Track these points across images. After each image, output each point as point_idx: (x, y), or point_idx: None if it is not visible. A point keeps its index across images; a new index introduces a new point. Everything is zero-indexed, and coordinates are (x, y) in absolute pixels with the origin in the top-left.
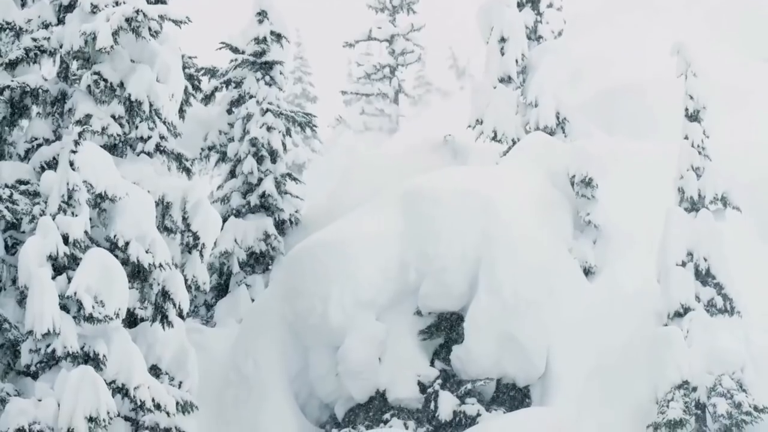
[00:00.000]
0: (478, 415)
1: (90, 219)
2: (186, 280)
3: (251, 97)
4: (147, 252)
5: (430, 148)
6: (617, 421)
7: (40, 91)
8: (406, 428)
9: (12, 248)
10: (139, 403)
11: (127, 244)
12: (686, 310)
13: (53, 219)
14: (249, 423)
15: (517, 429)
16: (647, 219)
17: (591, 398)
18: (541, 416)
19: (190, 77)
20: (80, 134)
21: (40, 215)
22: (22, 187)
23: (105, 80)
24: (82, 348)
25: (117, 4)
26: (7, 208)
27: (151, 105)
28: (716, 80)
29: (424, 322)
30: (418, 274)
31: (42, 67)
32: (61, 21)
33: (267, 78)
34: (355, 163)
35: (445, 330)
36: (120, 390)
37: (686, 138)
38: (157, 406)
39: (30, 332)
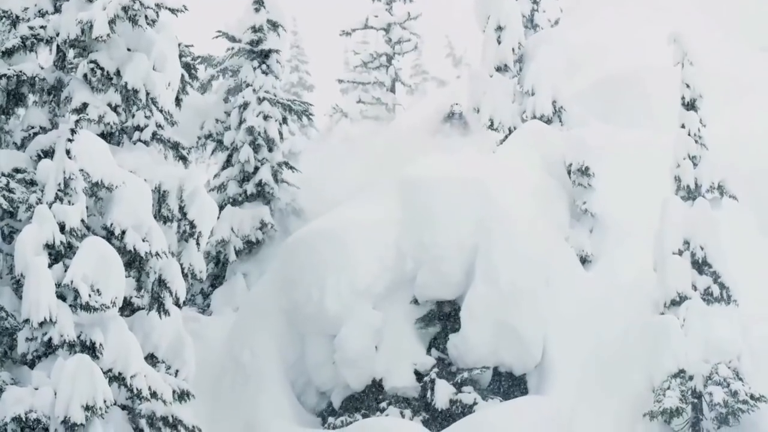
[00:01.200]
0: (475, 403)
1: (87, 207)
2: (182, 269)
3: (248, 85)
4: (143, 240)
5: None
6: (614, 410)
7: (36, 79)
8: (403, 417)
9: (8, 237)
10: (135, 392)
11: (123, 232)
12: (683, 298)
13: (50, 207)
14: (245, 411)
15: (514, 417)
16: (644, 208)
17: (588, 386)
18: (537, 405)
19: (186, 66)
20: (77, 123)
21: (37, 204)
22: (19, 176)
23: (101, 69)
24: (78, 336)
25: None
26: (3, 196)
27: (147, 93)
28: (714, 70)
29: (421, 311)
30: (414, 263)
31: (38, 56)
32: (57, 9)
33: (263, 66)
34: (353, 149)
35: (442, 318)
36: (116, 378)
37: (683, 127)
38: (154, 395)
39: (26, 321)
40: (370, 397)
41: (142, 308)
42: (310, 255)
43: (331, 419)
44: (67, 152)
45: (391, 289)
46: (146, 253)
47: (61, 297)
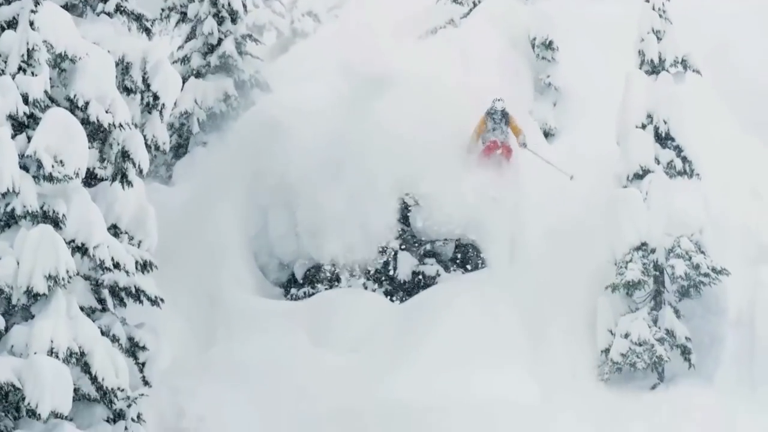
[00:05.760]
0: (437, 275)
1: (50, 79)
2: (146, 140)
3: None
4: (107, 112)
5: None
6: (576, 282)
7: None
8: (366, 288)
9: None
10: (98, 262)
11: (87, 104)
12: (645, 172)
13: (13, 78)
14: (208, 282)
15: (476, 289)
16: (607, 82)
17: (549, 259)
18: (499, 276)
19: None
20: None
21: (0, 75)
22: None
23: None
24: (41, 207)
25: None
26: None
27: None
28: None
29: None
30: None
31: None
32: None
33: None
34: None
35: (406, 191)
36: (79, 249)
37: (647, 0)
38: (117, 265)
39: None
40: (333, 269)
41: (105, 179)
42: (273, 127)
43: (293, 290)
44: (31, 23)
45: None
46: (109, 124)
47: (24, 168)
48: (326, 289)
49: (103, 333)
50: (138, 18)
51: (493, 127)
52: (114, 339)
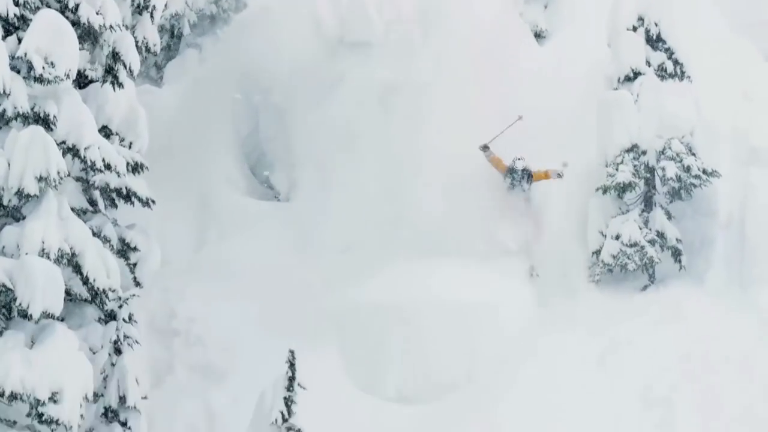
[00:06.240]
0: None
1: None
2: (136, 42)
3: None
4: (97, 13)
5: None
6: (567, 184)
7: None
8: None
9: None
10: (89, 164)
11: (77, 5)
12: (636, 74)
13: None
14: (199, 183)
15: None
16: None
17: (539, 159)
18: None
19: None
20: None
21: None
22: None
23: None
24: (32, 108)
25: None
26: None
27: None
28: None
29: None
30: None
31: None
32: None
33: None
34: None
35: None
36: (70, 150)
37: None
38: (108, 167)
39: None
40: None
41: (96, 81)
42: (263, 28)
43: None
44: None
45: None
46: (100, 26)
47: (15, 69)
48: (316, 189)
49: (94, 234)
50: None
51: (512, 185)
52: (105, 240)
